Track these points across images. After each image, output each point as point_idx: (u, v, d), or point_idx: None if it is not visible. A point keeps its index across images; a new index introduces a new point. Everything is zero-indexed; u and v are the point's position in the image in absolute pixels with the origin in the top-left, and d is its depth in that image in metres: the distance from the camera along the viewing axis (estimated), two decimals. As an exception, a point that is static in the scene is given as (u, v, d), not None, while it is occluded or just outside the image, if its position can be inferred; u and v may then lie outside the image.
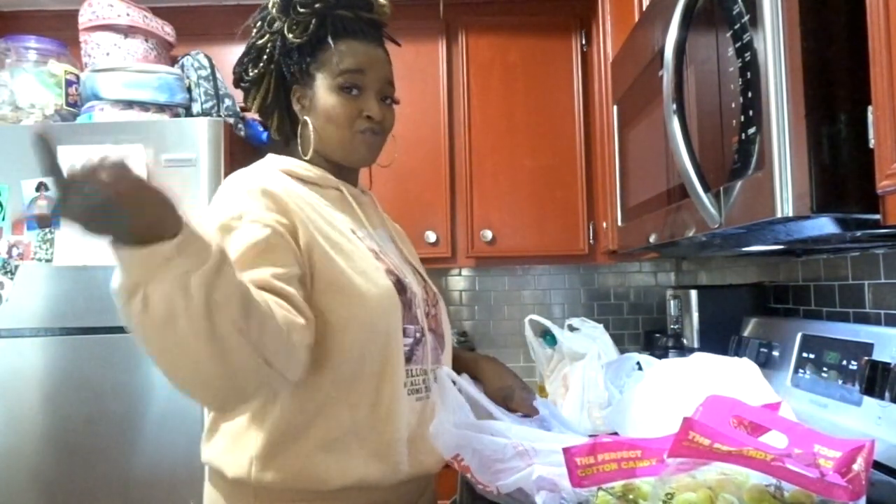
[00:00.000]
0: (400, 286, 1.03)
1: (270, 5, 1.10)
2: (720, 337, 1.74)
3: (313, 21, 1.06)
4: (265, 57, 1.10)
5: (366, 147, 1.09)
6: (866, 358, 1.16)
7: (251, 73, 1.12)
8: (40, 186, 1.84)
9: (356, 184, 1.18)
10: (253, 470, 0.95)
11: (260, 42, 1.11)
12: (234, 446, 0.98)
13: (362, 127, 1.07)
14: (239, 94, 2.30)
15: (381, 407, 0.99)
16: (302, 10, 1.06)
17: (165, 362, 0.73)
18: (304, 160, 1.10)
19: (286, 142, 1.17)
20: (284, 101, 1.13)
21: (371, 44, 1.10)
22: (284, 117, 1.15)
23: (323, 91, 1.07)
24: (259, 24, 1.12)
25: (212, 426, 1.02)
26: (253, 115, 2.20)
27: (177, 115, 2.02)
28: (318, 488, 0.96)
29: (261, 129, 2.21)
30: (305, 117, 1.10)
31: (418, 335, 1.06)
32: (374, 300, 0.99)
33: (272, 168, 1.07)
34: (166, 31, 2.15)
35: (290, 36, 1.06)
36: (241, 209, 0.94)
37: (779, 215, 0.80)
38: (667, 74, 1.03)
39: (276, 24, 1.08)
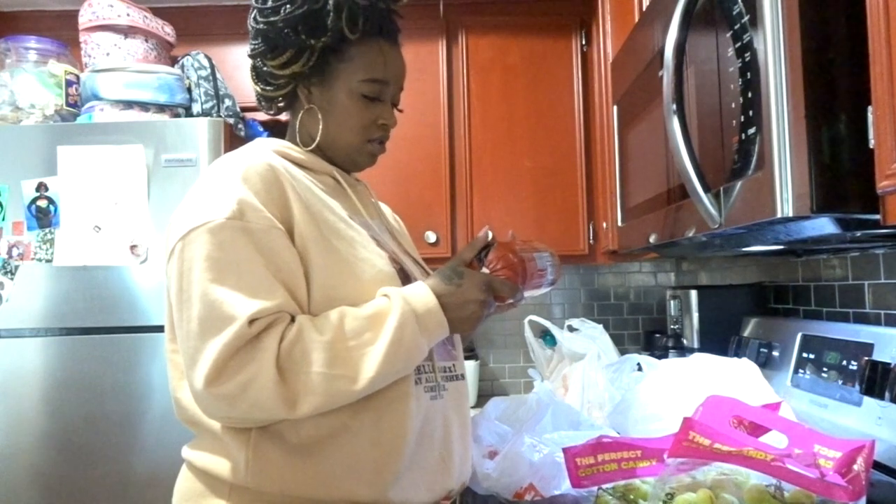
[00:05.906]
0: (403, 274, 0.99)
1: None
2: (720, 337, 1.74)
3: (361, 17, 0.98)
4: (324, 25, 0.97)
5: (370, 158, 1.08)
6: (866, 358, 1.16)
7: (301, 37, 0.98)
8: (40, 186, 1.84)
9: (349, 172, 1.12)
10: (243, 471, 0.90)
11: (320, 7, 0.97)
12: (224, 446, 0.93)
13: (375, 136, 1.05)
14: (239, 95, 2.28)
15: (384, 403, 0.92)
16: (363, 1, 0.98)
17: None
18: (297, 145, 1.05)
19: (276, 112, 1.10)
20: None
21: (395, 47, 1.05)
22: (295, 94, 1.05)
23: (342, 92, 1.02)
24: None
25: (197, 426, 0.96)
26: (253, 116, 2.21)
27: (177, 116, 2.02)
28: (307, 495, 0.91)
29: (261, 129, 2.21)
30: (313, 106, 1.03)
31: None
32: (376, 287, 0.94)
33: (265, 149, 1.00)
34: (166, 31, 2.15)
35: (347, 30, 0.97)
36: (238, 203, 0.88)
37: (779, 215, 0.80)
38: (667, 74, 1.03)
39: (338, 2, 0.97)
